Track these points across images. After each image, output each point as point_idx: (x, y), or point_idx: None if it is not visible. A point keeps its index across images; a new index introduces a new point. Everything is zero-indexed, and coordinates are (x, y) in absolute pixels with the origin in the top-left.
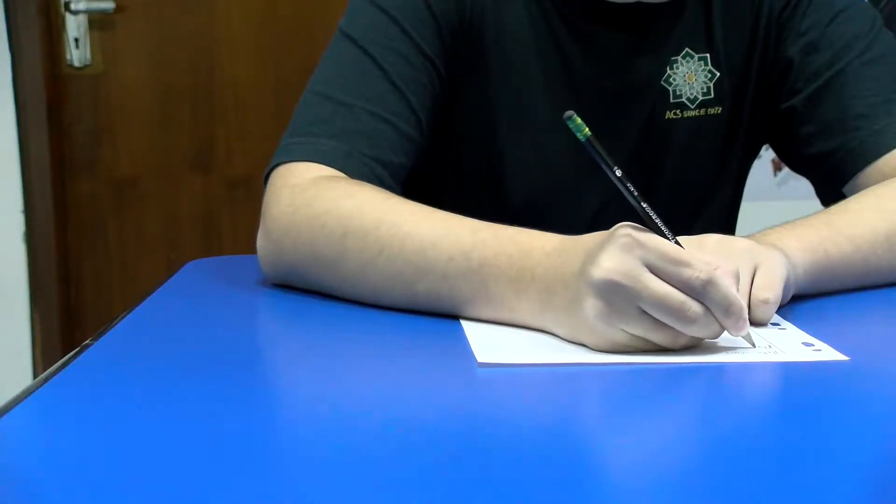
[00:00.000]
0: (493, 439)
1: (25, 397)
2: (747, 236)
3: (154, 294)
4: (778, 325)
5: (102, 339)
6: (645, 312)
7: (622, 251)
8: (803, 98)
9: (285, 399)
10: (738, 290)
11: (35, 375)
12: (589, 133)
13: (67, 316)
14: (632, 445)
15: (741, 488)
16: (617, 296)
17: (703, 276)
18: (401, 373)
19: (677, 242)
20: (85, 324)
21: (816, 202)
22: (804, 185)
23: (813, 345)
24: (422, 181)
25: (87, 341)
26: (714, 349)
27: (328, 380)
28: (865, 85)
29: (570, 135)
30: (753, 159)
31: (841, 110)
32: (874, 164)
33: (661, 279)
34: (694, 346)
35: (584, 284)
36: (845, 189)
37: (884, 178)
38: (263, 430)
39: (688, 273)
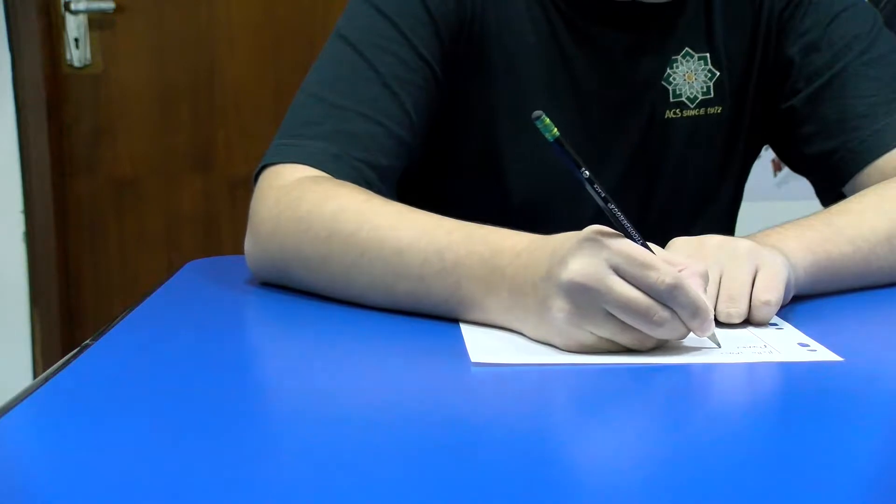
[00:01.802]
0: (479, 434)
1: (25, 397)
2: (747, 236)
3: (154, 294)
4: (776, 325)
5: (102, 339)
6: (611, 315)
7: (589, 254)
8: (803, 98)
9: (283, 397)
10: (705, 289)
11: (35, 375)
12: (557, 133)
13: (67, 316)
14: (619, 444)
15: (734, 487)
16: (583, 298)
17: (668, 279)
18: (397, 370)
19: (645, 245)
20: (85, 324)
21: (816, 202)
22: (804, 185)
23: (808, 345)
24: (422, 181)
25: (87, 341)
26: (709, 350)
27: (326, 379)
28: (865, 85)
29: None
30: (754, 159)
31: (841, 110)
32: (874, 164)
33: (628, 282)
34: (661, 347)
35: (552, 286)
36: (845, 189)
37: (884, 177)
38: (262, 429)
39: (653, 276)
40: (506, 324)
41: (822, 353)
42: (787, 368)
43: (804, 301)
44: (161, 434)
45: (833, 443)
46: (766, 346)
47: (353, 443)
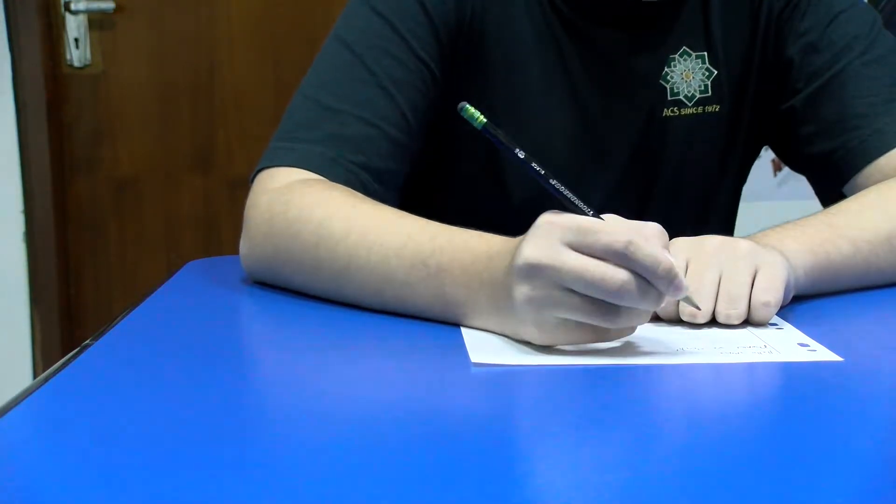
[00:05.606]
0: (479, 434)
1: (25, 397)
2: (747, 236)
3: (154, 294)
4: (776, 325)
5: (102, 339)
6: (573, 293)
7: (541, 236)
8: (803, 98)
9: (282, 397)
10: (664, 247)
11: (35, 375)
12: (484, 121)
13: (67, 316)
14: (620, 444)
15: (734, 487)
16: (539, 279)
17: (622, 237)
18: (397, 370)
19: (597, 216)
20: (85, 324)
21: (816, 202)
22: (804, 185)
23: (808, 345)
24: (422, 182)
25: (87, 341)
26: (710, 350)
27: (325, 379)
28: (865, 85)
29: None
30: (753, 159)
31: (841, 110)
32: (874, 164)
33: (585, 254)
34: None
35: (512, 276)
36: (845, 189)
37: (884, 177)
38: (261, 429)
39: (606, 239)
40: (486, 326)
41: (822, 353)
42: (787, 368)
43: (804, 301)
44: (161, 434)
45: (833, 443)
46: (766, 346)
47: (352, 442)
